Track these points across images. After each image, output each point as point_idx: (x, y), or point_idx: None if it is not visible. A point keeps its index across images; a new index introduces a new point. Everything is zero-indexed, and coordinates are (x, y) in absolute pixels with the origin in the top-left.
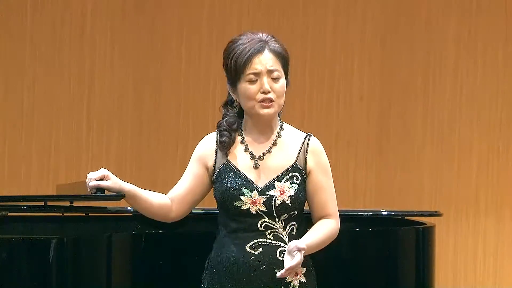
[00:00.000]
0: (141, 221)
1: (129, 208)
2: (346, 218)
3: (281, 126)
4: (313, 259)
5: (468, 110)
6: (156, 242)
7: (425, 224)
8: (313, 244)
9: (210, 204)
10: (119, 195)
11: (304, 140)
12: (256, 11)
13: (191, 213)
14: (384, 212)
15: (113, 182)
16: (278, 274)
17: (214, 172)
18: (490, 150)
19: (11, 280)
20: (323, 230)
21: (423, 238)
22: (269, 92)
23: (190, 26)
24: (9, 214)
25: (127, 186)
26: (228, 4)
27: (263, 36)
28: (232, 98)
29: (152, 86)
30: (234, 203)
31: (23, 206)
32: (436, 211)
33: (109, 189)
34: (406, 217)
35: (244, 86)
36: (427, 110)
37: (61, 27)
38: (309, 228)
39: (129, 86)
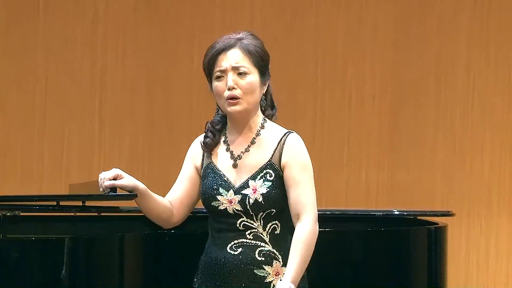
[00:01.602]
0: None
1: None
2: (358, 218)
3: (262, 124)
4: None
5: (480, 110)
6: (169, 242)
7: (437, 224)
8: (297, 273)
9: None
10: (132, 194)
11: (282, 137)
12: (268, 11)
13: (202, 212)
14: (396, 212)
15: (127, 180)
16: None
17: (201, 172)
18: (502, 149)
19: (24, 280)
20: (300, 251)
21: (435, 238)
22: (233, 88)
23: (202, 25)
24: (21, 213)
25: (141, 185)
26: (239, 3)
27: (240, 34)
28: None
29: (164, 85)
30: (212, 203)
31: (36, 205)
32: (448, 211)
33: (123, 188)
34: (418, 217)
35: (214, 84)
36: (439, 110)
37: (73, 26)
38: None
39: (141, 85)
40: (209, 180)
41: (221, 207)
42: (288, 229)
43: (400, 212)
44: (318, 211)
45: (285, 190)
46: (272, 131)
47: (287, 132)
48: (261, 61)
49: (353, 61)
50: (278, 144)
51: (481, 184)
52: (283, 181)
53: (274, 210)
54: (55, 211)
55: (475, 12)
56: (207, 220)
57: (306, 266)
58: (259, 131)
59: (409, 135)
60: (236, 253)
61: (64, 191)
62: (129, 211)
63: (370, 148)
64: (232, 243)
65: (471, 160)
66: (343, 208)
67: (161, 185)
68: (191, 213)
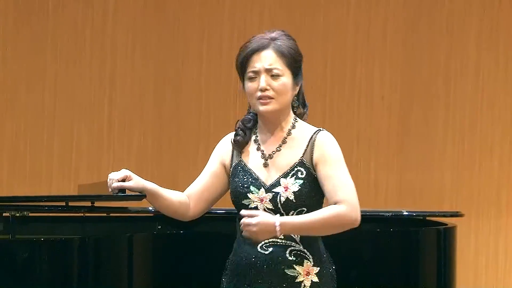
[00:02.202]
0: (162, 221)
1: (150, 208)
2: (367, 219)
3: (293, 124)
4: (332, 259)
5: (489, 110)
6: (177, 242)
7: (446, 224)
8: (296, 222)
9: (231, 204)
10: (141, 195)
11: (313, 135)
12: (277, 11)
13: (212, 213)
14: (405, 213)
15: (136, 182)
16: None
17: (230, 170)
18: (511, 149)
19: (33, 280)
20: (318, 213)
21: (444, 238)
22: (266, 89)
23: (211, 25)
24: (30, 214)
25: (149, 185)
26: (249, 4)
27: (274, 34)
28: None
29: (173, 85)
30: (243, 202)
31: (45, 206)
32: (457, 212)
33: (131, 189)
34: (427, 218)
35: (246, 84)
36: (448, 110)
37: (82, 27)
38: None
39: (150, 86)
40: (240, 178)
41: (252, 205)
42: None
43: (409, 213)
44: None
45: (316, 189)
46: (303, 130)
47: (317, 130)
48: (294, 63)
49: (362, 61)
50: (309, 142)
51: (490, 184)
52: (314, 179)
53: (305, 209)
54: (64, 212)
55: (485, 12)
56: (216, 221)
57: (312, 230)
58: (290, 130)
59: (418, 135)
60: (266, 252)
61: (73, 192)
62: (137, 211)
63: (379, 148)
64: (263, 242)
65: (480, 161)
66: None
67: (169, 184)
68: None
